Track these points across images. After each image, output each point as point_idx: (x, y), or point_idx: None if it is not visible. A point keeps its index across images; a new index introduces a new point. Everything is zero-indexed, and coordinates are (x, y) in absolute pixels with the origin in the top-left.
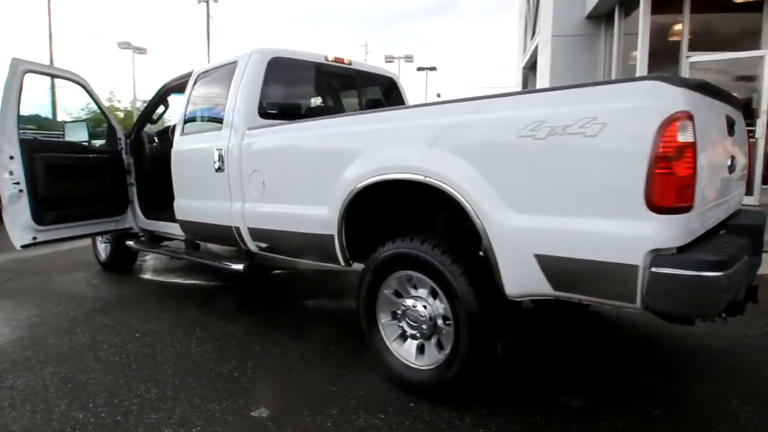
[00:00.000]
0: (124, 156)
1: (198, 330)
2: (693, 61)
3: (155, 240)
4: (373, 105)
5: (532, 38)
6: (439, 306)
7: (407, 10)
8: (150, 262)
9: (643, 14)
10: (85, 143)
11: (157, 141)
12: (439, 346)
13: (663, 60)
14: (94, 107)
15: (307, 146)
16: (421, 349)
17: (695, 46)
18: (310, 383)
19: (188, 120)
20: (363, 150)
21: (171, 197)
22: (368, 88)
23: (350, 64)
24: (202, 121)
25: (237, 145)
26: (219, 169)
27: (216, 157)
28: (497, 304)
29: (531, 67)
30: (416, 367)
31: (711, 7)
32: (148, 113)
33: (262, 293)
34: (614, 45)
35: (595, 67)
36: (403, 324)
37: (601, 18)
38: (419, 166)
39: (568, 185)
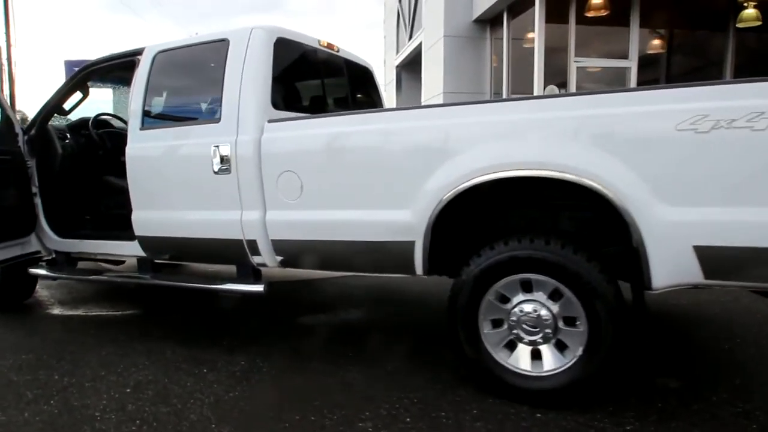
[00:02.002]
0: (25, 157)
1: (210, 371)
2: (579, 66)
3: (72, 263)
4: (363, 95)
5: (410, 38)
6: (553, 307)
7: (233, 6)
8: (44, 292)
9: (539, 22)
10: None
11: (70, 137)
12: (559, 348)
13: (554, 63)
14: None
15: (381, 142)
16: (535, 355)
17: (581, 52)
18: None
19: (148, 112)
20: (473, 144)
21: (99, 208)
22: (354, 77)
23: (338, 51)
24: (175, 113)
25: (252, 142)
26: (221, 171)
27: (215, 157)
28: (638, 299)
29: (407, 65)
30: (535, 374)
31: (593, 20)
32: (58, 102)
33: (236, 312)
34: (504, 48)
35: (483, 67)
36: (518, 331)
37: (486, 22)
38: (558, 162)
39: (733, 177)
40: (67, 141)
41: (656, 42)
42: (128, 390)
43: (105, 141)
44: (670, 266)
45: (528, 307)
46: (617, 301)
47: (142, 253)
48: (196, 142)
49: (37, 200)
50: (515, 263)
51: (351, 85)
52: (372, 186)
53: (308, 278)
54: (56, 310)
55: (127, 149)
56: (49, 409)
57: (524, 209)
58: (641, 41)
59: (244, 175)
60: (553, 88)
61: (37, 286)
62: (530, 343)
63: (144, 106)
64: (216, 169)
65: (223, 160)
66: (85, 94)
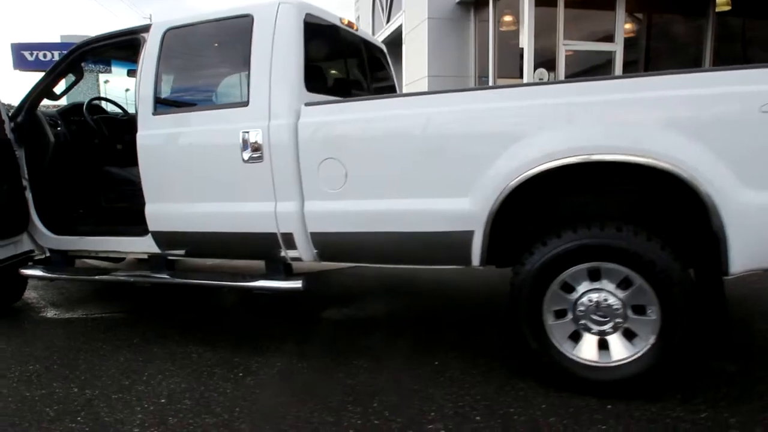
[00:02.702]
0: (14, 146)
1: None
2: (567, 49)
3: (69, 262)
4: (380, 77)
5: (388, 21)
6: (622, 295)
7: None
8: (31, 294)
9: (528, 3)
10: None
11: (62, 124)
12: (627, 337)
13: (543, 45)
14: None
15: (440, 126)
16: (601, 345)
17: (570, 35)
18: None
19: (161, 96)
20: (547, 127)
21: (99, 201)
22: (372, 57)
23: (357, 30)
24: (191, 97)
25: (287, 127)
26: (252, 159)
27: (243, 144)
28: (714, 284)
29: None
30: (603, 365)
31: (581, 4)
32: (48, 85)
33: (251, 309)
34: (489, 31)
35: (467, 51)
36: (585, 321)
37: (470, 5)
38: (638, 147)
39: None
40: (58, 129)
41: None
42: (162, 400)
43: (101, 127)
44: (750, 251)
45: (596, 296)
46: (692, 288)
47: (156, 250)
48: (220, 128)
49: (28, 194)
50: (585, 252)
51: (369, 66)
52: (427, 174)
53: (319, 270)
54: (51, 313)
55: (138, 137)
56: (78, 428)
57: (581, 195)
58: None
59: (279, 164)
60: (542, 72)
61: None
62: (599, 333)
63: (156, 89)
64: (246, 157)
65: (254, 147)
66: (79, 77)
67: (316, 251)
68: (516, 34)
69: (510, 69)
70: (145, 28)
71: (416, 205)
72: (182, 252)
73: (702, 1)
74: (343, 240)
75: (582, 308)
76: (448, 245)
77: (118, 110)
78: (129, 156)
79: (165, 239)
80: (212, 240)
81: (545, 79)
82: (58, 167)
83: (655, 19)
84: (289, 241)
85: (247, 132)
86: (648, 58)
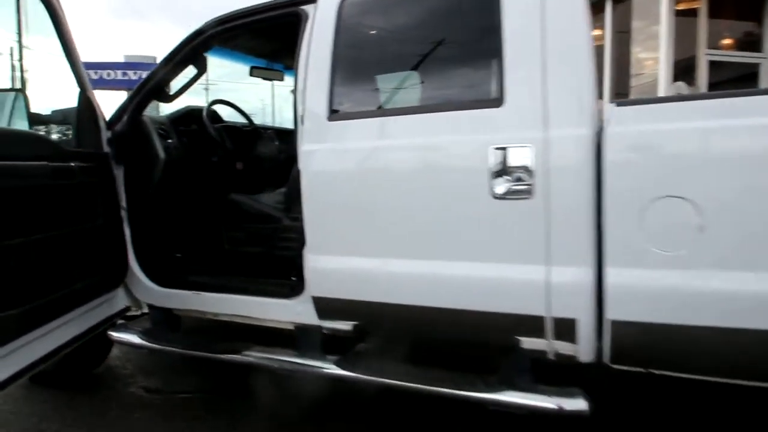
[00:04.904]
0: (112, 165)
1: None
2: (710, 59)
3: (173, 322)
4: None
5: None
6: None
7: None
8: (114, 351)
9: (668, 6)
10: (30, 138)
11: (175, 136)
12: None
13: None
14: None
15: None
16: None
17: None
18: None
19: (340, 93)
20: None
21: (220, 242)
22: None
23: None
24: (391, 93)
25: (581, 141)
26: (510, 194)
27: (495, 168)
28: None
29: None
30: None
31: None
32: (159, 83)
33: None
34: (606, 40)
35: None
36: None
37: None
38: None
39: None
40: (169, 141)
41: None
42: None
43: (224, 141)
44: None
45: None
46: None
47: (311, 321)
48: (448, 142)
49: (126, 229)
50: None
51: None
52: None
53: None
54: (136, 386)
55: (302, 153)
56: None
57: None
58: None
59: (563, 202)
60: (680, 86)
61: None
62: None
63: (332, 83)
64: (499, 191)
65: (515, 174)
66: (201, 70)
67: (611, 350)
68: (628, 40)
69: (622, 82)
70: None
71: None
72: (350, 328)
73: None
74: (679, 337)
75: None
76: None
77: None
78: (256, 180)
79: (333, 308)
80: (413, 316)
81: (683, 93)
82: (167, 193)
83: None
84: (565, 329)
85: (503, 148)
86: None
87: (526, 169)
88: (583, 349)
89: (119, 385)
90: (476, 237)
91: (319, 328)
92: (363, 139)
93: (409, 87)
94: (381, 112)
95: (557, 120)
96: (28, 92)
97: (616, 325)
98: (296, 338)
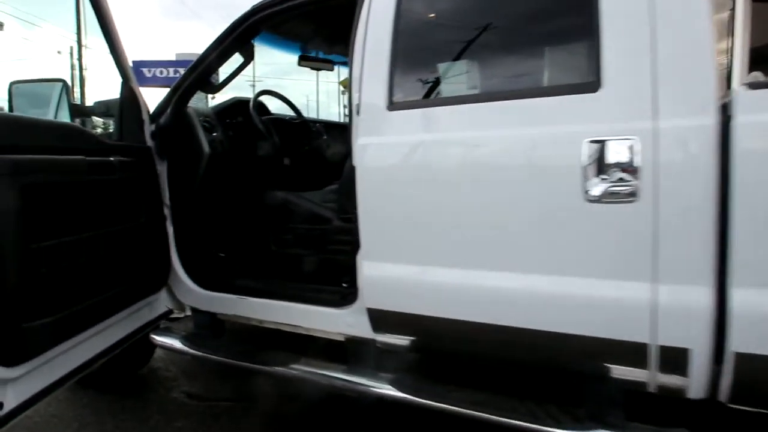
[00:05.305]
0: (156, 159)
1: None
2: None
3: (217, 327)
4: None
5: None
6: None
7: None
8: (158, 353)
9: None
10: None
11: (220, 129)
12: None
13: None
14: None
15: None
16: None
17: None
18: None
19: (403, 79)
20: None
21: (266, 243)
22: None
23: None
24: (462, 78)
25: (702, 132)
26: (608, 196)
27: (590, 165)
28: None
29: None
30: None
31: None
32: (204, 72)
33: None
34: None
35: None
36: None
37: None
38: None
39: None
40: (214, 134)
41: None
42: None
43: (272, 135)
44: None
45: None
46: None
47: (364, 333)
48: (534, 133)
49: (169, 227)
50: None
51: None
52: None
53: None
54: (183, 392)
55: (358, 147)
56: None
57: None
58: None
59: (677, 206)
60: (757, 76)
61: None
62: None
63: (392, 67)
64: (595, 192)
65: (616, 172)
66: (249, 58)
67: (731, 387)
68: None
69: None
70: None
71: None
72: (408, 343)
73: None
74: None
75: None
76: None
77: (289, 112)
78: (305, 176)
79: (392, 322)
80: (483, 335)
81: None
82: (212, 190)
83: None
84: (673, 360)
85: (600, 142)
86: None
87: (629, 167)
88: (694, 384)
89: (162, 389)
90: (565, 247)
91: (373, 341)
92: (429, 131)
93: (482, 71)
94: (450, 99)
95: (671, 107)
96: (86, 89)
97: (741, 358)
98: (347, 351)
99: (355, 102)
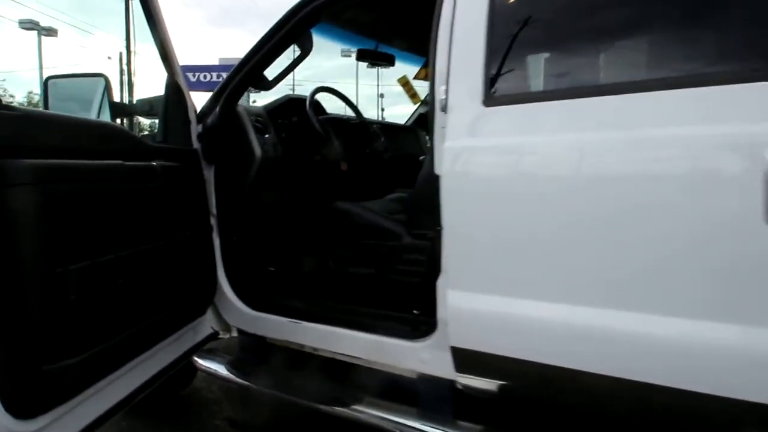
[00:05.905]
0: (202, 164)
1: None
2: None
3: (265, 352)
4: None
5: None
6: None
7: None
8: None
9: None
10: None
11: (272, 130)
12: None
13: None
14: None
15: None
16: None
17: None
18: None
19: (502, 69)
20: None
21: (324, 260)
22: None
23: None
24: (581, 64)
25: None
26: None
27: None
28: None
29: None
30: None
31: None
32: (256, 66)
33: None
34: None
35: None
36: None
37: None
38: None
39: None
40: (266, 136)
41: None
42: None
43: (330, 137)
44: None
45: None
46: None
47: (442, 372)
48: (690, 135)
49: (215, 238)
50: None
51: None
52: None
53: None
54: (225, 419)
55: (446, 151)
56: None
57: None
58: None
59: None
60: None
61: None
62: None
63: (488, 56)
64: None
65: None
66: (306, 50)
67: None
68: None
69: None
70: None
71: None
72: (495, 389)
73: None
74: None
75: None
76: None
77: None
78: (365, 184)
79: (481, 364)
80: (597, 388)
81: None
82: (263, 197)
83: None
84: None
85: None
86: None
87: None
88: None
89: (204, 414)
90: (732, 283)
91: (452, 383)
92: (535, 132)
93: (612, 52)
94: (565, 92)
95: None
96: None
97: None
98: (418, 392)
99: (439, 97)
